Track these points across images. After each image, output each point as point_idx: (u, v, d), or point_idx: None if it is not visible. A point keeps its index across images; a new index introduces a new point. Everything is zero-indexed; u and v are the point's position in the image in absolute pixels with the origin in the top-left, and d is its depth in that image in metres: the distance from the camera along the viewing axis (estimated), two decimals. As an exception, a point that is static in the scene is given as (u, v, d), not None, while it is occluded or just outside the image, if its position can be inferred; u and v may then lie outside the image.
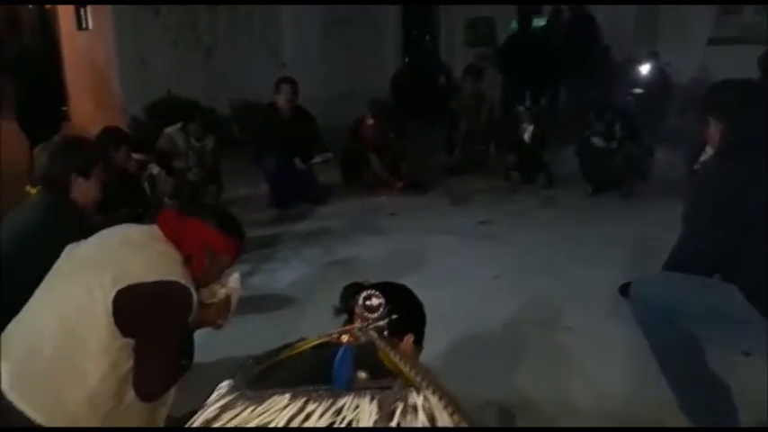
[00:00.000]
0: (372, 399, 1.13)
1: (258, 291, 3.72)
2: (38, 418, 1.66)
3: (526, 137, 5.81)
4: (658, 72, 7.40)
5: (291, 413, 1.12)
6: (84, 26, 8.54)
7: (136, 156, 4.27)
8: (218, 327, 2.12)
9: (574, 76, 7.88)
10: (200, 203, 4.28)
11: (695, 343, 2.20)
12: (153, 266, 1.75)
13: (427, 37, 10.42)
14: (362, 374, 1.19)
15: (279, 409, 1.13)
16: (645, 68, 7.45)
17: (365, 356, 1.25)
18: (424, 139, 7.08)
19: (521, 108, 5.96)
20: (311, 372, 1.21)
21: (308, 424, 1.10)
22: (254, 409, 1.15)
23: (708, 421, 2.25)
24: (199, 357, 2.63)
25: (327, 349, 1.29)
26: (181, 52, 7.97)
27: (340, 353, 1.23)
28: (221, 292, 2.10)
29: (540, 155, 5.93)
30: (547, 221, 4.97)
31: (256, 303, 3.57)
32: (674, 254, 2.31)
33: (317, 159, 5.46)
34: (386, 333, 1.37)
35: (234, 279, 2.14)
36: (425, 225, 4.92)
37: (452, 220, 5.04)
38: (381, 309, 1.39)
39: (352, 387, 1.16)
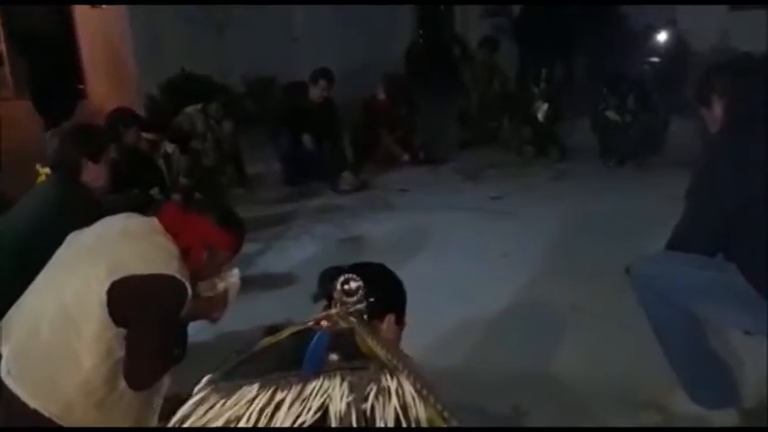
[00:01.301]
0: (343, 380, 1.12)
1: (269, 268, 3.78)
2: (32, 402, 1.72)
3: (540, 115, 5.76)
4: (676, 40, 7.24)
5: (261, 404, 1.12)
6: (98, 3, 8.55)
7: (146, 135, 4.32)
8: (215, 320, 2.16)
9: (590, 46, 7.74)
10: (202, 198, 4.30)
11: (696, 322, 2.21)
12: (149, 259, 1.78)
13: (442, 8, 10.27)
14: (334, 357, 1.19)
15: (248, 400, 1.13)
16: (662, 36, 7.29)
17: (340, 340, 1.24)
18: (437, 113, 7.05)
19: (535, 88, 5.89)
20: (286, 359, 1.21)
21: (279, 413, 1.10)
22: (224, 403, 1.15)
23: (708, 400, 2.26)
24: (207, 335, 2.74)
25: (304, 336, 1.28)
26: (194, 29, 7.96)
27: (315, 338, 1.23)
28: (220, 286, 2.14)
29: (553, 128, 5.87)
30: (559, 195, 4.94)
31: (266, 281, 3.64)
32: (676, 232, 2.29)
33: (346, 187, 5.32)
34: (365, 316, 1.36)
35: (233, 274, 2.17)
36: (437, 201, 4.92)
37: (464, 196, 5.04)
38: (360, 292, 1.37)
39: (324, 370, 1.15)
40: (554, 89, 5.98)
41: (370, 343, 1.24)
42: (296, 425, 1.09)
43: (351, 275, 1.38)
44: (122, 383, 1.77)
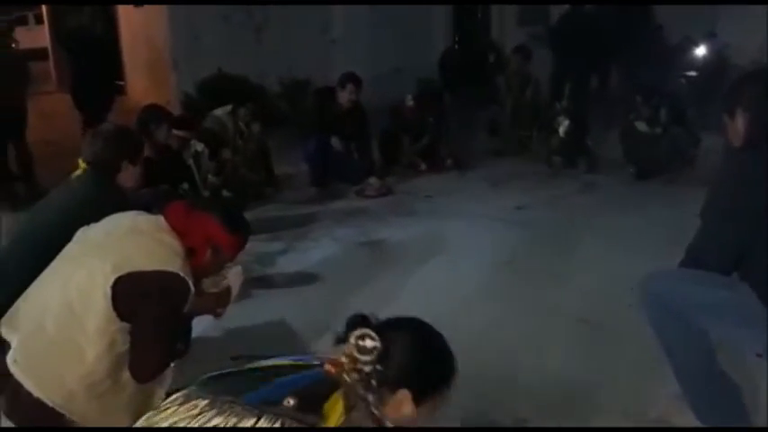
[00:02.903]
0: (282, 426, 1.13)
1: (288, 268, 3.84)
2: (36, 391, 1.77)
3: (561, 131, 5.73)
4: (715, 54, 7.12)
5: (200, 422, 1.16)
6: (141, 3, 8.77)
7: (177, 132, 4.42)
8: (218, 315, 2.21)
9: (626, 57, 7.66)
10: (209, 199, 4.38)
11: (707, 341, 2.17)
12: (154, 256, 1.83)
13: (479, 15, 10.26)
14: (290, 401, 1.17)
15: (191, 415, 1.18)
16: (700, 50, 7.17)
17: (314, 389, 1.21)
18: (468, 121, 7.04)
19: (557, 103, 5.87)
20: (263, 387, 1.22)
21: None
22: (176, 409, 1.21)
23: (716, 421, 2.23)
24: (216, 332, 2.80)
25: (304, 370, 1.28)
26: (233, 29, 8.10)
27: (304, 373, 1.23)
28: (223, 283, 2.19)
29: (581, 141, 5.82)
30: (584, 208, 4.89)
31: (284, 280, 3.70)
32: (691, 250, 2.27)
33: (371, 192, 5.35)
34: (373, 381, 1.24)
35: (235, 272, 2.23)
36: (461, 208, 4.92)
37: (489, 204, 5.02)
38: (374, 353, 1.24)
39: (271, 411, 1.16)
40: (578, 105, 5.92)
41: (337, 407, 1.17)
42: None
43: (368, 332, 1.25)
44: (125, 376, 1.82)
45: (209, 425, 1.16)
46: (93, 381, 1.79)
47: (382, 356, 1.24)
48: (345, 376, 1.23)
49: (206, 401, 1.21)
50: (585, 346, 2.91)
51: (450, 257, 3.94)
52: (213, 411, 1.18)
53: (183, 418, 1.19)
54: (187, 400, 1.23)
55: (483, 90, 7.45)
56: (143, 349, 1.81)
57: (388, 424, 1.22)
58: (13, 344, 1.86)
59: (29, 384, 1.78)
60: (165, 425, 1.20)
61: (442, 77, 8.65)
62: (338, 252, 4.12)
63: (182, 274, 1.82)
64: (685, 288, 2.19)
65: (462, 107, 7.47)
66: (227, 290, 2.20)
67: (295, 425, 1.13)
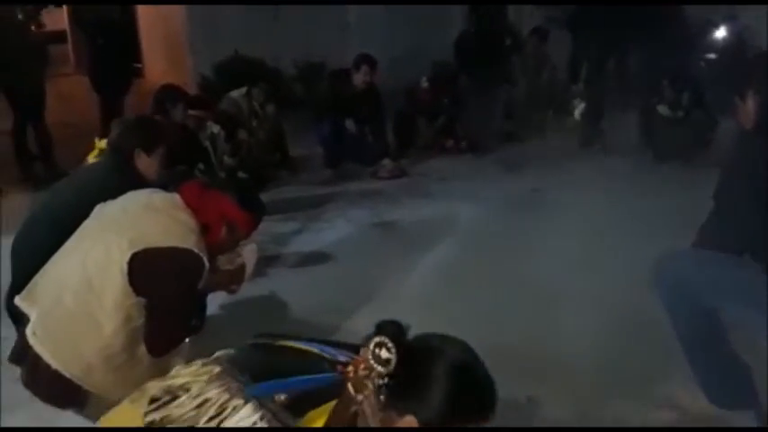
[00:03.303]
0: (262, 419, 1.16)
1: (301, 248, 3.87)
2: (54, 363, 1.82)
3: (576, 113, 5.68)
4: (736, 37, 7.00)
5: (196, 391, 1.22)
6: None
7: (192, 112, 4.45)
8: (232, 291, 2.26)
9: (645, 40, 7.54)
10: (224, 179, 4.42)
11: (718, 322, 2.17)
12: (170, 233, 1.87)
13: (496, -4, 10.13)
14: (282, 397, 1.19)
15: (200, 378, 1.25)
16: (721, 32, 7.06)
17: (319, 393, 1.20)
18: (483, 103, 6.99)
19: (573, 86, 5.82)
20: (261, 371, 1.26)
21: (201, 410, 1.19)
22: (197, 369, 1.28)
23: (725, 401, 2.23)
24: (234, 308, 2.84)
25: (326, 364, 1.29)
26: (250, 12, 8.10)
27: (322, 375, 1.24)
28: (238, 260, 2.24)
29: (598, 122, 5.78)
30: (600, 190, 4.84)
31: (297, 259, 3.74)
32: (703, 230, 2.28)
33: (385, 174, 5.35)
34: (382, 397, 1.12)
35: (250, 249, 2.27)
36: (475, 191, 4.92)
37: (504, 187, 5.02)
38: (389, 366, 1.11)
39: (261, 401, 1.19)
40: (594, 87, 5.87)
41: (341, 414, 1.13)
42: (201, 424, 1.18)
43: (386, 342, 1.12)
44: (140, 350, 1.86)
45: (207, 395, 1.21)
46: (110, 353, 1.83)
47: (396, 373, 1.11)
48: (350, 386, 1.13)
49: (218, 369, 1.25)
50: (598, 327, 2.91)
51: (464, 240, 3.95)
52: (216, 383, 1.23)
53: (195, 380, 1.25)
54: (211, 362, 1.28)
55: (499, 72, 7.40)
56: (158, 324, 1.84)
57: None
58: (33, 317, 1.90)
59: (47, 356, 1.83)
60: (180, 382, 1.25)
61: (459, 60, 8.59)
62: (352, 233, 4.14)
63: (196, 251, 1.85)
64: (697, 268, 2.18)
65: (478, 89, 7.42)
66: (242, 267, 2.24)
67: (273, 423, 1.16)
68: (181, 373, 1.28)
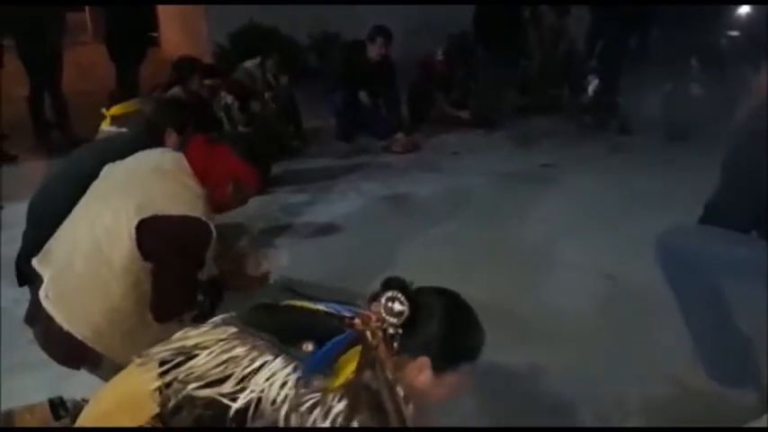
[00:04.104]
0: (294, 371, 1.15)
1: (313, 219, 3.91)
2: (65, 325, 1.86)
3: (590, 89, 5.62)
4: (758, 13, 6.84)
5: (221, 348, 1.21)
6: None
7: (207, 81, 4.48)
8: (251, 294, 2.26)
9: (666, 15, 7.40)
10: (231, 133, 4.44)
11: (721, 298, 2.18)
12: (178, 199, 1.88)
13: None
14: (309, 346, 1.21)
15: (217, 339, 1.23)
16: (745, 8, 6.91)
17: (340, 346, 1.23)
18: (497, 77, 6.93)
19: (588, 62, 5.75)
20: (279, 328, 1.25)
21: (221, 367, 1.18)
22: (207, 330, 1.27)
23: (726, 378, 2.24)
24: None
25: (319, 320, 1.31)
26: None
27: (346, 333, 1.24)
28: (265, 266, 2.29)
29: (613, 100, 5.72)
30: (612, 167, 4.84)
31: (308, 230, 3.77)
32: (710, 206, 2.26)
33: (398, 147, 5.31)
34: (395, 345, 1.26)
35: (281, 255, 2.34)
36: (486, 165, 4.91)
37: (514, 162, 5.00)
38: (402, 317, 1.25)
39: (287, 352, 1.19)
40: (609, 64, 5.79)
41: (365, 361, 1.19)
42: (229, 385, 1.16)
43: (397, 295, 1.26)
44: (149, 315, 1.89)
45: (232, 354, 1.20)
46: (119, 317, 1.86)
47: (408, 322, 1.26)
48: (369, 334, 1.25)
49: (234, 330, 1.24)
50: (602, 302, 2.93)
51: (474, 212, 3.96)
52: (237, 341, 1.22)
53: (209, 340, 1.23)
54: (222, 323, 1.27)
55: (516, 46, 7.31)
56: (164, 291, 1.86)
57: (400, 391, 1.21)
58: (46, 279, 1.94)
59: (59, 318, 1.86)
60: (192, 342, 1.24)
61: (476, 33, 8.50)
62: (363, 205, 4.16)
63: (204, 219, 1.87)
64: (702, 244, 2.18)
65: (494, 63, 7.35)
66: (267, 276, 2.30)
67: (300, 373, 1.16)
68: (190, 335, 1.27)
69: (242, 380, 1.16)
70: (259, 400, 1.13)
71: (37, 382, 2.22)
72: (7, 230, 3.31)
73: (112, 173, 2.05)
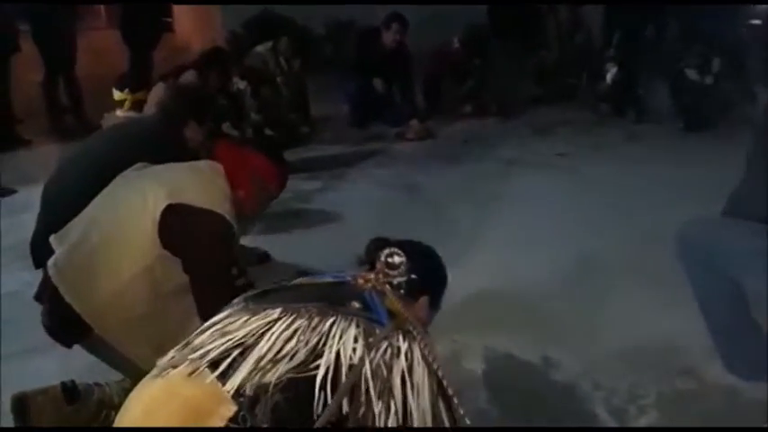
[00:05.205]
0: (358, 326, 1.17)
1: (324, 206, 3.90)
2: (68, 297, 1.84)
3: (608, 78, 5.56)
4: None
5: (281, 328, 1.17)
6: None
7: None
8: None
9: (685, 4, 7.29)
10: (251, 138, 4.46)
11: (739, 291, 2.14)
12: (207, 194, 1.91)
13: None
14: (356, 304, 1.24)
15: (269, 321, 1.19)
16: (766, -2, 6.78)
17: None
18: (514, 66, 6.87)
19: (606, 50, 5.68)
20: (316, 298, 1.25)
21: (292, 342, 1.14)
22: (247, 319, 1.21)
23: (744, 371, 2.21)
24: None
25: (340, 287, 1.34)
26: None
27: (368, 295, 1.29)
28: None
29: (632, 88, 5.65)
30: (628, 157, 4.78)
31: (320, 217, 3.77)
32: (733, 197, 2.22)
33: (411, 135, 5.28)
34: (402, 291, 1.40)
35: None
36: (501, 154, 4.87)
37: (529, 150, 4.96)
38: (402, 267, 1.41)
39: (343, 312, 1.20)
40: (628, 52, 5.72)
41: (396, 305, 1.29)
42: (302, 355, 1.12)
43: (395, 250, 1.42)
44: (158, 311, 1.85)
45: (292, 328, 1.16)
46: (123, 302, 1.84)
47: (408, 270, 1.41)
48: (378, 287, 1.35)
49: (279, 309, 1.21)
50: (619, 293, 2.89)
51: (487, 201, 3.92)
52: (293, 316, 1.19)
53: (259, 326, 1.19)
54: (254, 312, 1.22)
55: (531, 34, 7.24)
56: (200, 290, 1.83)
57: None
58: (57, 251, 1.94)
59: (63, 289, 1.85)
60: (242, 333, 1.18)
61: (492, 22, 8.43)
62: (375, 193, 4.14)
63: (228, 217, 1.89)
64: (722, 236, 2.14)
65: (510, 52, 7.30)
66: None
67: (368, 326, 1.19)
68: (230, 329, 1.20)
69: (314, 348, 1.13)
70: (335, 365, 1.11)
71: (50, 365, 2.22)
72: (22, 214, 3.32)
73: (147, 167, 2.10)
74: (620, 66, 5.56)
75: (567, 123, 5.61)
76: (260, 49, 5.15)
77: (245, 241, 2.85)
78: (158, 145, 2.54)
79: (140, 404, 1.17)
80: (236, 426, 1.07)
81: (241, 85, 4.86)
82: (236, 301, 1.34)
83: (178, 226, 1.84)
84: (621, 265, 3.12)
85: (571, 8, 6.32)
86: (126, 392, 1.90)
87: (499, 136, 5.36)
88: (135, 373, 1.83)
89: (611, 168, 4.48)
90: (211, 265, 1.86)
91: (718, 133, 5.10)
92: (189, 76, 4.18)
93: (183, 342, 1.25)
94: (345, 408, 1.07)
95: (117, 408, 1.91)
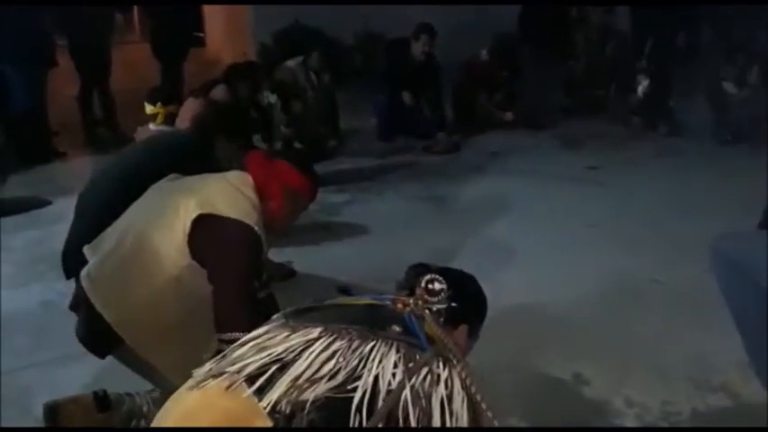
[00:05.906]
0: (398, 351, 1.15)
1: (351, 219, 3.91)
2: (99, 307, 1.87)
3: (640, 90, 5.49)
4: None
5: (320, 348, 1.16)
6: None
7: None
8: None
9: (717, 13, 7.19)
10: (282, 150, 4.52)
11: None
12: (237, 205, 1.91)
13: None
14: (396, 328, 1.23)
15: (309, 339, 1.18)
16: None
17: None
18: (543, 77, 6.83)
19: (638, 62, 5.61)
20: (357, 320, 1.24)
21: (331, 362, 1.13)
22: (287, 336, 1.20)
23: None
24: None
25: (379, 310, 1.33)
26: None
27: (408, 317, 1.29)
28: None
29: (664, 101, 5.56)
30: (660, 171, 4.70)
31: (346, 229, 3.78)
32: (768, 211, 2.17)
33: (439, 147, 5.28)
34: (441, 319, 1.38)
35: None
36: (529, 167, 4.83)
37: (558, 164, 4.92)
38: (442, 294, 1.39)
39: (383, 336, 1.19)
40: (660, 63, 5.64)
41: (436, 330, 1.27)
42: (342, 376, 1.11)
43: (436, 276, 1.41)
44: (190, 324, 1.85)
45: (332, 349, 1.16)
46: (154, 313, 1.86)
47: (448, 297, 1.40)
48: (417, 312, 1.34)
49: (319, 328, 1.20)
50: (651, 308, 2.84)
51: (515, 216, 3.89)
52: (333, 336, 1.18)
53: (297, 343, 1.18)
54: (294, 329, 1.22)
55: (561, 46, 7.19)
56: (222, 300, 1.81)
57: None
58: (91, 261, 1.97)
59: (94, 299, 1.88)
60: (282, 348, 1.18)
61: (522, 32, 8.40)
62: (402, 206, 4.15)
63: (257, 229, 1.89)
64: (757, 250, 2.09)
65: (540, 63, 7.26)
66: None
67: (409, 351, 1.17)
68: (269, 344, 1.20)
69: (353, 370, 1.13)
70: (373, 388, 1.10)
71: (82, 374, 2.26)
72: (57, 225, 3.38)
73: (179, 178, 2.13)
74: (651, 77, 5.48)
75: (598, 136, 5.54)
76: (290, 63, 5.19)
77: (273, 255, 2.86)
78: (191, 158, 2.58)
79: (176, 415, 1.17)
80: None
81: (272, 98, 4.92)
82: (275, 316, 1.33)
83: (206, 235, 1.86)
84: (653, 280, 3.08)
85: (602, 17, 6.25)
86: (155, 402, 1.95)
87: (528, 148, 5.33)
88: (164, 384, 1.87)
89: (642, 183, 4.42)
90: (234, 273, 1.85)
91: (753, 146, 5.00)
92: (219, 92, 4.24)
93: (221, 354, 1.25)
94: None
95: (146, 417, 1.97)
